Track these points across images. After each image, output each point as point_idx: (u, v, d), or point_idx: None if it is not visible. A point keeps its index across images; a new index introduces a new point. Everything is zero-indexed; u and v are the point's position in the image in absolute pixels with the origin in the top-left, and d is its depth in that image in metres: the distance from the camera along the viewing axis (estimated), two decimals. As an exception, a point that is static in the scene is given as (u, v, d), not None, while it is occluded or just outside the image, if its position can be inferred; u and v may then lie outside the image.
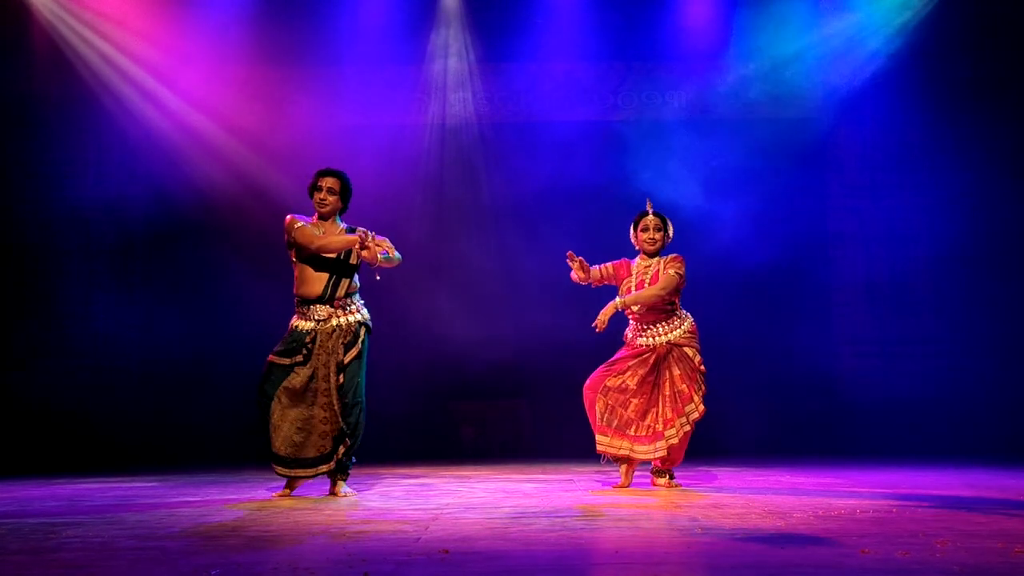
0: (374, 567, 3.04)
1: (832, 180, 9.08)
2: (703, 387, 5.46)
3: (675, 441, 5.38)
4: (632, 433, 5.43)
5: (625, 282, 5.57)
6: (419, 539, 3.60)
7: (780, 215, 8.72)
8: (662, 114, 9.08)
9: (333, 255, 5.14)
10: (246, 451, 7.96)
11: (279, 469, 5.14)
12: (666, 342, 5.46)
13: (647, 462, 5.51)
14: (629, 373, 5.46)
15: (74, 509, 4.76)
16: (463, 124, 9.13)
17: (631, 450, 5.44)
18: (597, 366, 5.65)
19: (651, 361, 5.46)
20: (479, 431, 8.79)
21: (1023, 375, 8.59)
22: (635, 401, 5.44)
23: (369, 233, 4.97)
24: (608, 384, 5.47)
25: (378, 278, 5.14)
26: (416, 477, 6.43)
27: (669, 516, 4.23)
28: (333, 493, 5.17)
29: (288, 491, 5.19)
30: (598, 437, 5.49)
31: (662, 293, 5.38)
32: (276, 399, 5.10)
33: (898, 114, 8.95)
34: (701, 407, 5.42)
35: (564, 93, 9.09)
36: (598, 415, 5.48)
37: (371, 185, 8.67)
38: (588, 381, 5.59)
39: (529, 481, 6.03)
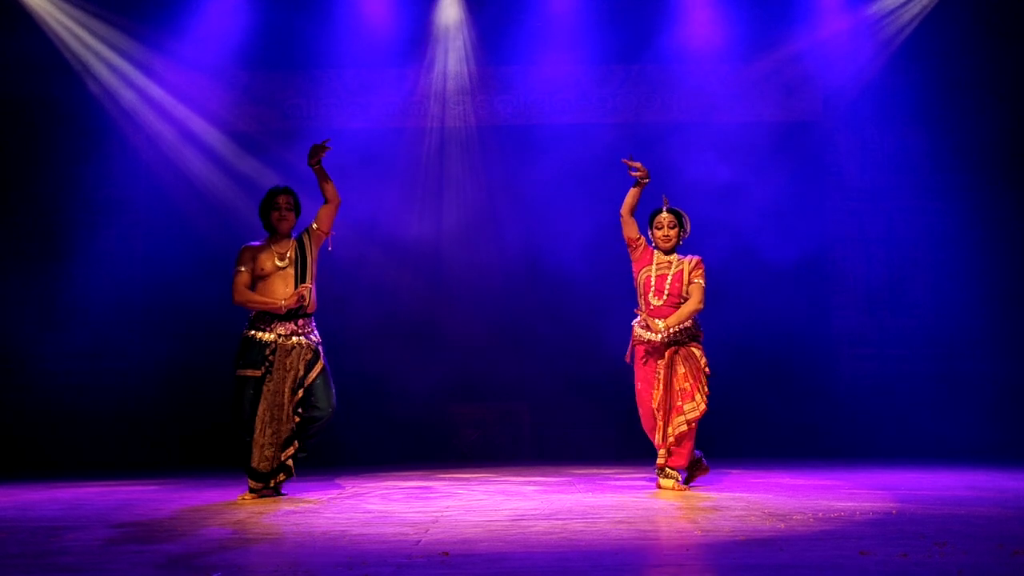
0: (374, 569, 3.05)
1: (831, 182, 9.09)
2: (706, 388, 5.49)
3: (671, 440, 5.43)
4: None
5: (644, 271, 5.62)
6: (419, 542, 3.61)
7: (779, 217, 8.72)
8: (660, 116, 9.08)
9: (284, 278, 5.38)
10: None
11: (255, 483, 5.26)
12: (665, 338, 5.47)
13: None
14: (654, 386, 5.53)
15: (75, 512, 4.76)
16: (463, 127, 9.13)
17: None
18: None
19: (663, 363, 5.50)
20: (479, 434, 8.79)
21: (1022, 376, 8.59)
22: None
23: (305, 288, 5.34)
24: (655, 406, 5.53)
25: (330, 249, 5.57)
26: (416, 480, 6.43)
27: (669, 518, 4.24)
28: (279, 493, 5.32)
29: (252, 497, 5.27)
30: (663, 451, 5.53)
31: (700, 307, 5.53)
32: (259, 417, 5.24)
33: (897, 115, 8.96)
34: (702, 406, 5.44)
35: (563, 96, 9.09)
36: (659, 436, 5.52)
37: (371, 189, 8.69)
38: (642, 407, 5.62)
39: (529, 484, 6.03)
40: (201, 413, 8.52)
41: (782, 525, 3.90)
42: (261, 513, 4.59)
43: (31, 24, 8.63)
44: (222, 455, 8.12)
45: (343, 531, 3.92)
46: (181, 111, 8.89)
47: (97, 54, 8.78)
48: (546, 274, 8.80)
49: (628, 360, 5.68)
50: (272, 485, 5.30)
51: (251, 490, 5.27)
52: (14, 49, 8.66)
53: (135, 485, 6.33)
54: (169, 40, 8.78)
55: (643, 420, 5.64)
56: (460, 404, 8.80)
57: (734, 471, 6.64)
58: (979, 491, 5.18)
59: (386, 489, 5.76)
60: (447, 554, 3.30)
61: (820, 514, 4.21)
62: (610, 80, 9.13)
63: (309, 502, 5.06)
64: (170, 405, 8.68)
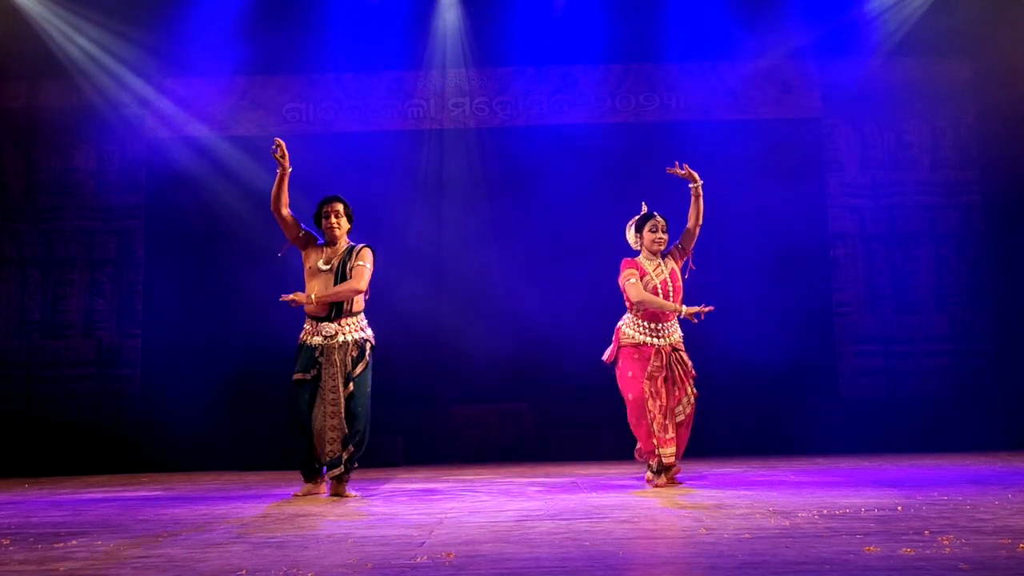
0: (379, 571, 3.04)
1: (832, 179, 9.09)
2: (694, 390, 5.57)
3: (671, 434, 5.52)
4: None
5: (644, 279, 5.63)
6: (423, 543, 3.60)
7: (780, 215, 8.72)
8: (660, 116, 9.09)
9: (330, 277, 5.51)
10: (249, 457, 7.98)
11: (310, 478, 5.52)
12: (669, 344, 5.53)
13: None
14: (658, 384, 5.55)
15: (78, 518, 4.75)
16: (462, 129, 9.14)
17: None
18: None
19: (664, 364, 5.53)
20: (482, 435, 8.79)
21: (1024, 371, 8.60)
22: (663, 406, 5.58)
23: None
24: (652, 396, 5.53)
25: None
26: (420, 482, 6.43)
27: (673, 517, 4.23)
28: (337, 494, 5.43)
29: (309, 492, 5.51)
30: (662, 450, 5.49)
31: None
32: (315, 417, 5.43)
33: (897, 111, 8.96)
34: (688, 410, 5.55)
35: (562, 96, 9.10)
36: (656, 428, 5.50)
37: (371, 192, 8.70)
38: (633, 396, 5.59)
39: (532, 484, 6.03)
40: (202, 418, 8.54)
41: (787, 522, 3.89)
42: (264, 516, 4.59)
43: (27, 28, 8.67)
44: (223, 458, 8.14)
45: (347, 533, 3.92)
46: (180, 115, 8.91)
47: (94, 59, 8.80)
48: (547, 274, 8.81)
49: (607, 360, 5.69)
50: (326, 480, 5.49)
51: (308, 481, 5.51)
52: (11, 57, 8.69)
53: (138, 490, 6.32)
54: (167, 45, 8.80)
55: (629, 405, 5.60)
56: (463, 405, 8.81)
57: (738, 469, 6.63)
58: (983, 486, 5.16)
59: (390, 491, 5.76)
60: (451, 555, 3.29)
61: (825, 511, 4.20)
62: (609, 80, 9.13)
63: (313, 504, 5.06)
64: (170, 410, 8.69)
